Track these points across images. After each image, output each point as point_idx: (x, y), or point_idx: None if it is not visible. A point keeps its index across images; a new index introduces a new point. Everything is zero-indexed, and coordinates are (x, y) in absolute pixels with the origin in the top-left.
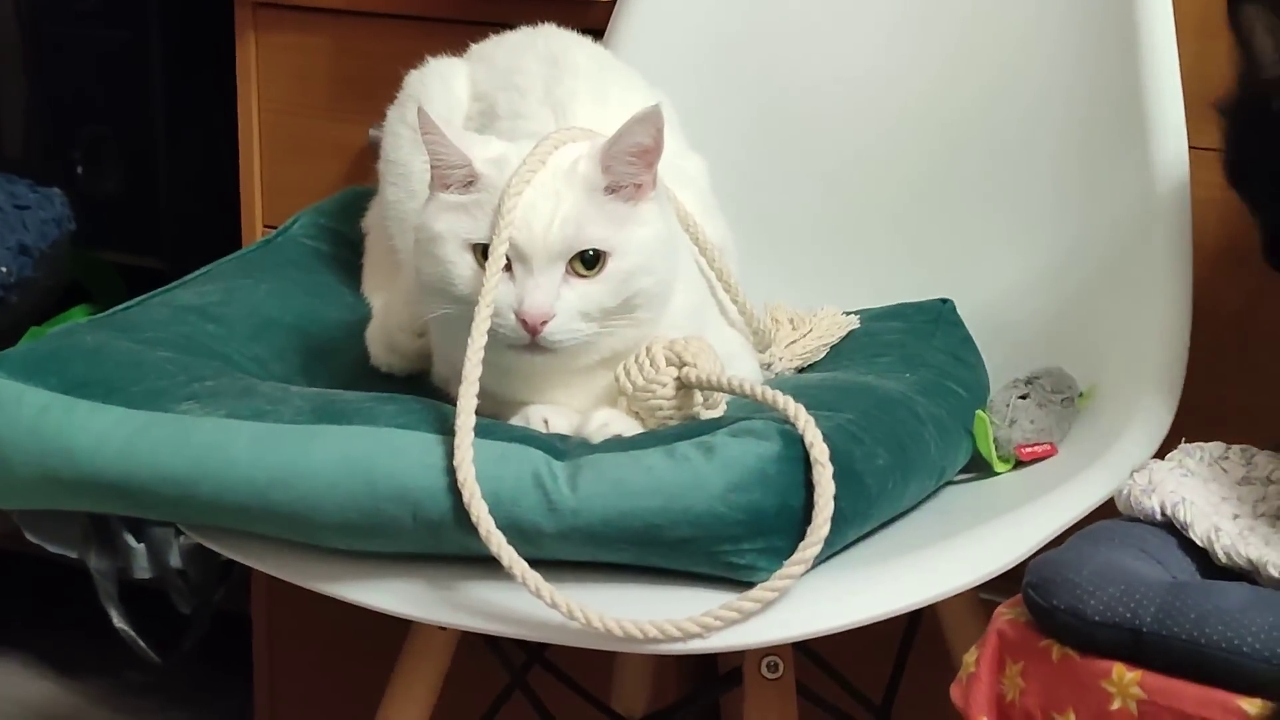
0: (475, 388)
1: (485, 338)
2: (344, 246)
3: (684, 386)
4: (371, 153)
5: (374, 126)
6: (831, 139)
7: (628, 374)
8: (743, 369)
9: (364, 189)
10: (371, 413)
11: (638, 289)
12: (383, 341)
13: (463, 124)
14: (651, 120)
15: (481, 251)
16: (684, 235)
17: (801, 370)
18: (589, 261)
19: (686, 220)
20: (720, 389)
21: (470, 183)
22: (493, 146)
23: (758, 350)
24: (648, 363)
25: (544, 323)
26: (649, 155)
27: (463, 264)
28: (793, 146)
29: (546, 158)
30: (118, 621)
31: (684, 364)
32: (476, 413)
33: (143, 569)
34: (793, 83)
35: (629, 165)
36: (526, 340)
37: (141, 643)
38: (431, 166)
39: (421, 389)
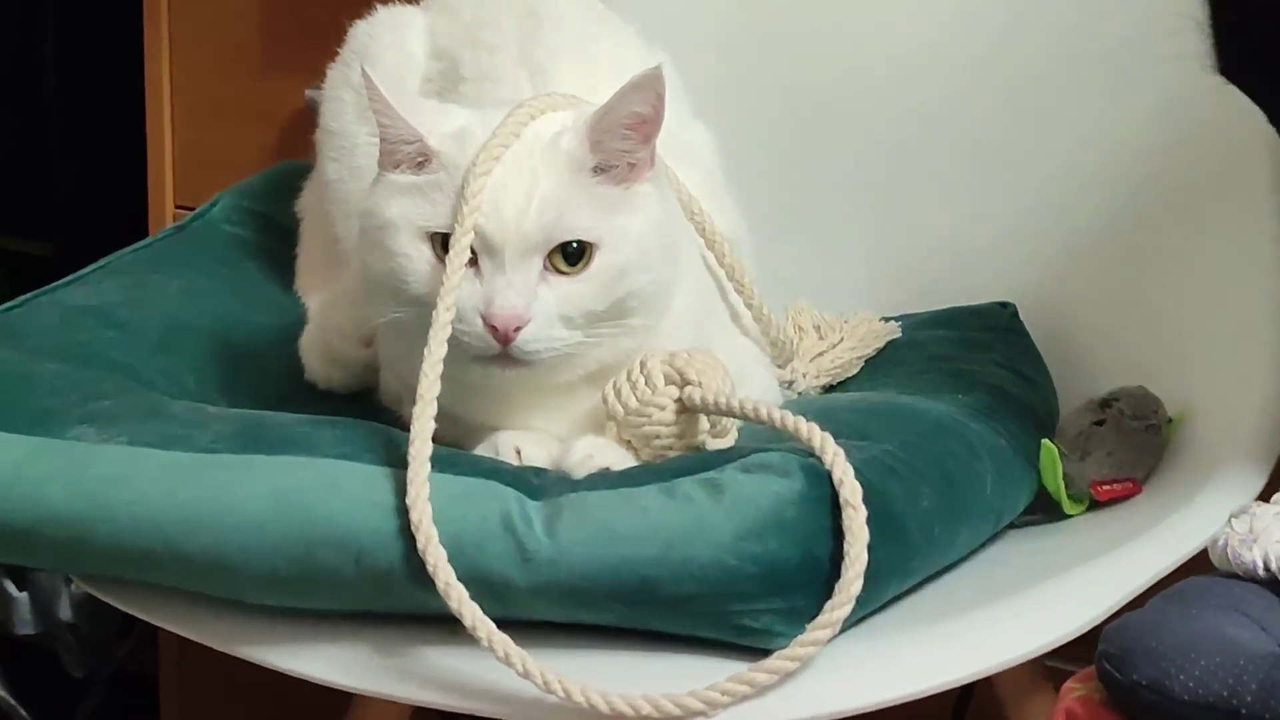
0: (433, 409)
1: (445, 347)
2: (274, 234)
3: (686, 410)
4: (308, 119)
5: (311, 87)
6: (869, 112)
7: (618, 394)
8: (758, 388)
9: (299, 164)
10: (306, 439)
11: (631, 289)
12: (321, 351)
13: (419, 88)
14: (651, 85)
15: (441, 242)
16: (687, 224)
17: (830, 389)
18: (572, 256)
19: (690, 206)
20: (730, 413)
21: (423, 162)
22: (454, 117)
23: (776, 365)
24: (643, 380)
25: (517, 329)
26: (647, 127)
27: (418, 257)
28: (822, 119)
29: (521, 130)
30: None
31: (686, 382)
32: (434, 440)
33: (25, 623)
34: (826, 43)
35: (623, 140)
36: (495, 350)
37: (24, 712)
38: (380, 140)
39: (367, 410)
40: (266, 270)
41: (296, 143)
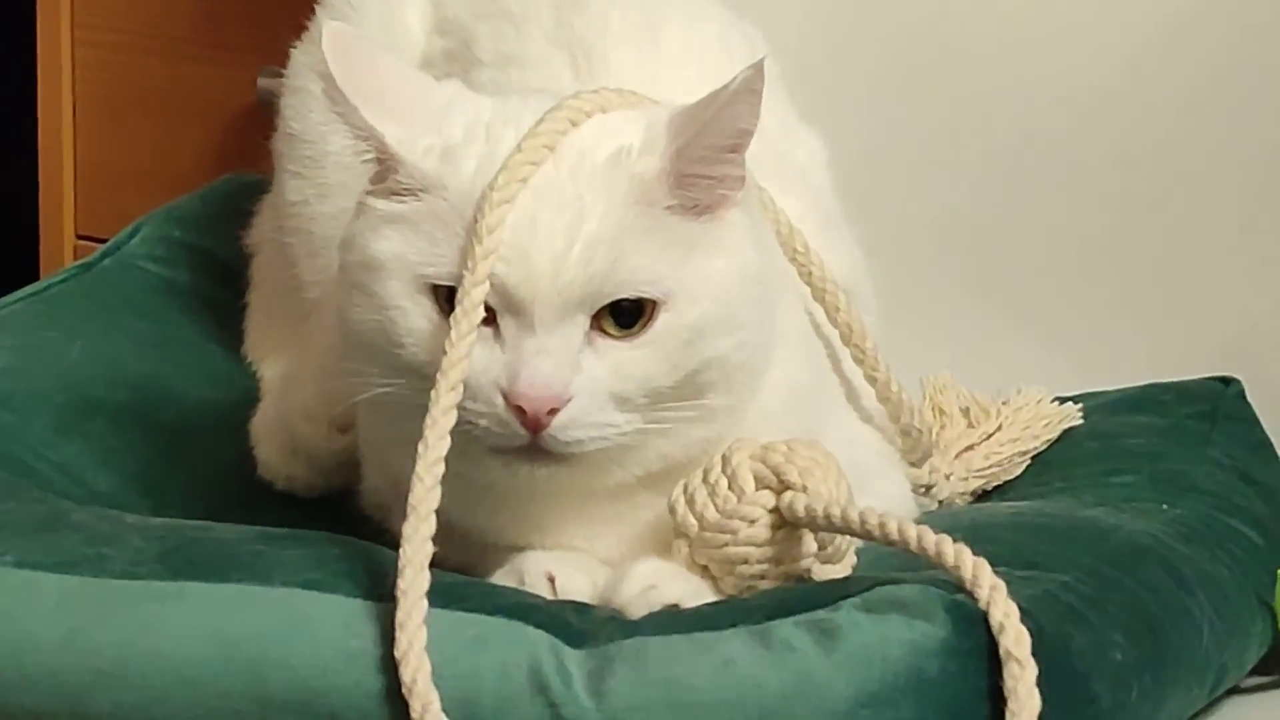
0: (432, 521)
1: (448, 439)
2: (215, 276)
3: (785, 524)
4: (263, 119)
5: (266, 74)
6: (1039, 113)
7: (692, 502)
8: (883, 494)
9: (250, 179)
10: (260, 561)
11: (709, 357)
12: (280, 439)
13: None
14: (755, 86)
15: (447, 295)
16: (787, 267)
17: (984, 496)
18: (628, 314)
19: (792, 242)
20: (846, 529)
21: (410, 189)
22: (456, 117)
23: (909, 462)
24: (725, 483)
25: (552, 411)
26: (746, 140)
27: (415, 312)
28: (972, 120)
29: (558, 140)
30: None
31: (786, 486)
32: (436, 564)
33: None
34: (973, 20)
35: (717, 165)
36: (523, 441)
37: None
38: (366, 155)
39: (343, 520)
40: (205, 326)
41: (246, 150)
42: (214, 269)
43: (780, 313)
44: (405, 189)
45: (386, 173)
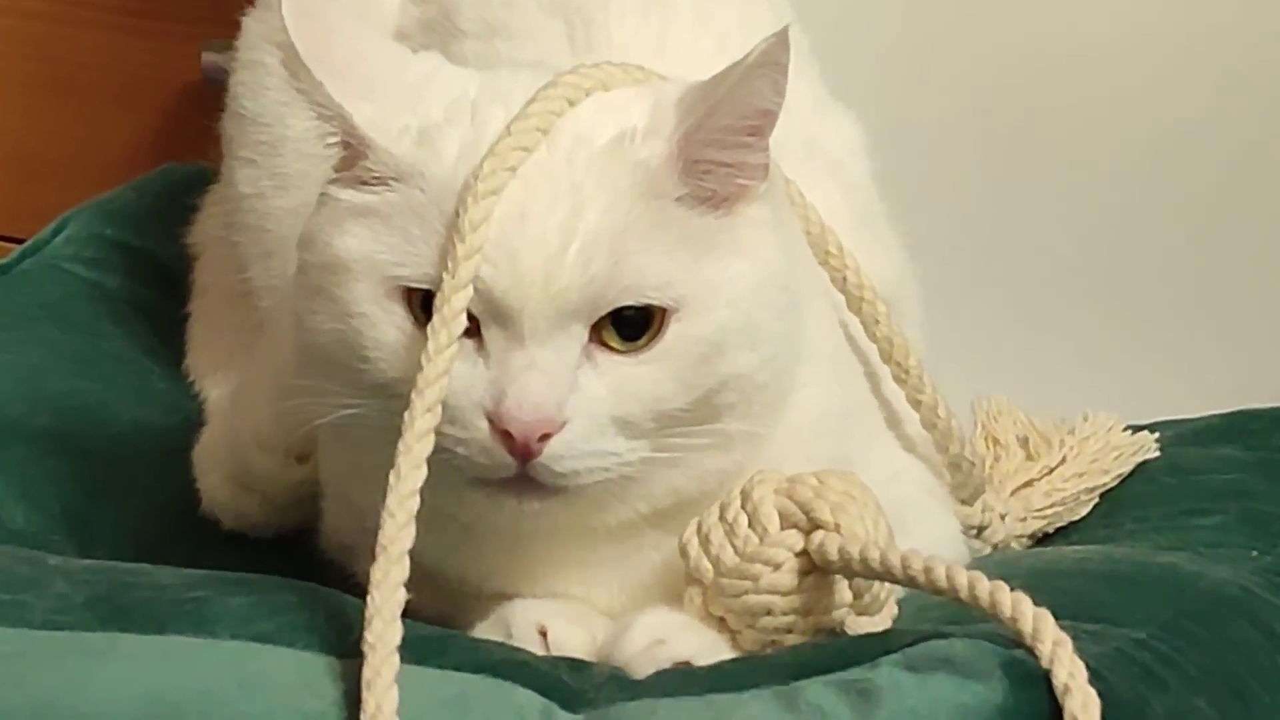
0: (405, 564)
1: (424, 469)
2: (152, 281)
3: (815, 569)
4: (208, 97)
5: (212, 48)
6: (1117, 118)
7: (707, 543)
8: (929, 535)
9: (192, 168)
10: (203, 610)
11: (728, 375)
12: (227, 470)
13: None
14: (778, 60)
15: (423, 301)
16: (818, 271)
17: (1045, 539)
18: (632, 324)
19: (824, 242)
20: (885, 575)
21: (382, 178)
22: (436, 94)
23: (959, 499)
24: (745, 521)
25: (545, 436)
26: (768, 124)
27: (385, 321)
28: (1034, 111)
29: (552, 122)
30: None
31: (816, 525)
32: (409, 613)
33: None
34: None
35: (734, 151)
36: (511, 471)
37: None
38: (331, 138)
39: (299, 563)
40: (140, 338)
41: (189, 135)
42: (151, 272)
43: (809, 324)
44: (376, 177)
45: (354, 158)
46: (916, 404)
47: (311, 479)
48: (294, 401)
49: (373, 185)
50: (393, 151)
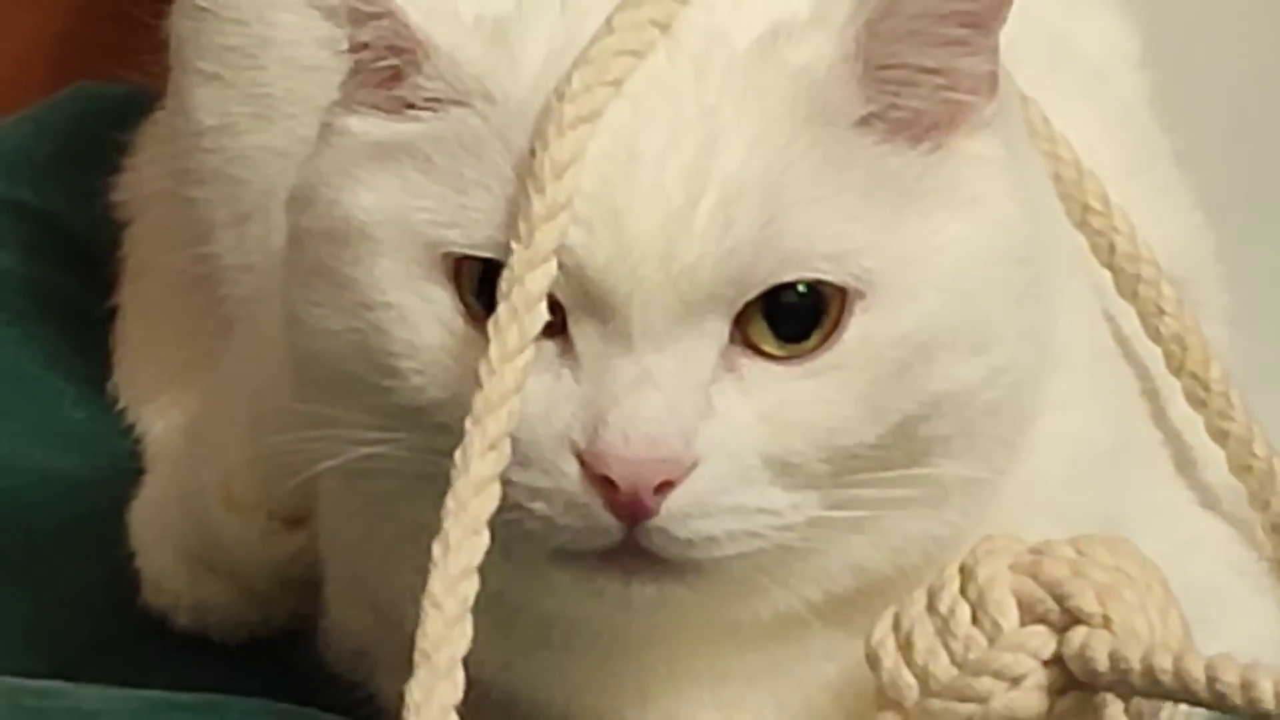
0: (458, 680)
1: (485, 536)
2: (58, 260)
3: (1074, 684)
4: None
5: None
6: None
7: (908, 647)
8: (1244, 635)
9: (116, 90)
10: None
11: (940, 393)
12: (179, 541)
13: None
14: None
15: (478, 283)
16: (1074, 236)
17: None
18: (795, 316)
19: (1081, 195)
20: (1181, 694)
21: (433, 99)
22: None
23: None
24: (967, 614)
25: (664, 485)
26: (995, 9)
27: (424, 314)
28: None
29: (672, 12)
30: None
31: (1073, 619)
32: None
33: None
34: None
35: (944, 51)
36: (614, 538)
37: None
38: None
39: (287, 677)
40: (43, 344)
41: (110, 40)
42: (58, 247)
43: (1062, 317)
44: (427, 99)
45: (386, 74)
46: (1222, 436)
47: (307, 554)
48: (283, 437)
49: (417, 111)
50: (459, 59)
